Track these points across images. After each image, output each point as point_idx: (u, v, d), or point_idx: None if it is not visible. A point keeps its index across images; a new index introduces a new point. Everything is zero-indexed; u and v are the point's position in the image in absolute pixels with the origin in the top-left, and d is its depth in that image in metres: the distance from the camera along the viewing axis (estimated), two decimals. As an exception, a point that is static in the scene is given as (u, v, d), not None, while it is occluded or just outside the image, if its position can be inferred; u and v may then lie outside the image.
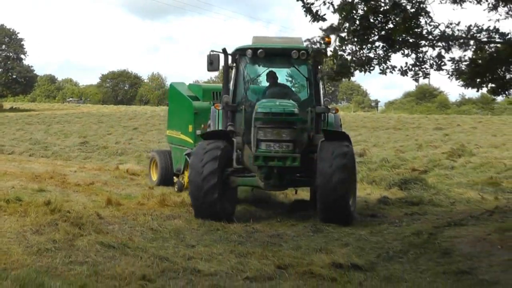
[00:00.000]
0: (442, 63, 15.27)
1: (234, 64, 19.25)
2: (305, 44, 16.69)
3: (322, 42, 14.70)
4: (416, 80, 15.91)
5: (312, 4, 15.14)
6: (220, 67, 19.50)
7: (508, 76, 16.12)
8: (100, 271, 10.69)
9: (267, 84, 20.26)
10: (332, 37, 14.21)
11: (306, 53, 17.19)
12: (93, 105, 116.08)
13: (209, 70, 18.82)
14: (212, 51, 18.26)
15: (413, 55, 15.35)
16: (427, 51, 15.39)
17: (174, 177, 22.82)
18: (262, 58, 18.43)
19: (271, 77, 19.79)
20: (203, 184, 16.16)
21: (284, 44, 19.44)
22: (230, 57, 19.20)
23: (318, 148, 17.10)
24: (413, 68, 15.36)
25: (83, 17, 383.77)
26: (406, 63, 15.37)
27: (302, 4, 15.15)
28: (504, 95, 17.38)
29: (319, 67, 18.17)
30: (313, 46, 14.89)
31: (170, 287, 10.13)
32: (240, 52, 18.79)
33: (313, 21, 15.42)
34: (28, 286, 9.22)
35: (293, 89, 21.01)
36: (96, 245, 12.44)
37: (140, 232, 14.50)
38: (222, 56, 18.89)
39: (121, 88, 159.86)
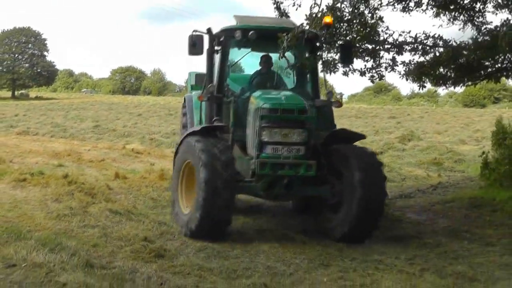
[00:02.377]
0: (395, 65, 15.41)
1: (220, 47, 13.38)
2: (303, 24, 13.14)
3: (322, 24, 12.38)
4: (372, 81, 16.14)
5: (282, 3, 15.33)
6: (204, 51, 13.34)
7: (448, 74, 16.64)
8: (109, 234, 10.76)
9: (250, 71, 15.01)
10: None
11: (304, 36, 12.57)
12: (104, 95, 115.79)
13: (191, 53, 12.90)
14: (194, 31, 12.92)
15: (371, 60, 15.49)
16: (382, 56, 15.49)
17: None
18: (253, 41, 12.86)
19: (266, 62, 14.13)
20: (223, 191, 10.74)
21: (278, 25, 14.04)
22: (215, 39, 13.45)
23: (336, 152, 12.21)
24: (370, 71, 15.49)
25: (100, 22, 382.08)
26: (365, 65, 15.53)
27: (273, 2, 15.46)
28: (444, 87, 17.80)
29: (318, 53, 13.81)
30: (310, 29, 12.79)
31: (167, 246, 10.10)
32: (227, 33, 13.19)
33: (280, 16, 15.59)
34: (48, 245, 9.20)
35: (285, 78, 14.90)
36: (106, 212, 12.47)
37: (142, 201, 14.54)
38: (206, 38, 13.28)
39: (128, 81, 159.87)
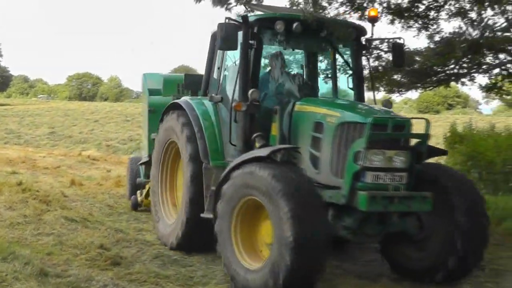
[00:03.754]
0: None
1: (253, 41, 10.00)
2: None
3: (366, 16, 10.50)
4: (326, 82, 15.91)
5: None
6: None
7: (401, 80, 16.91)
8: (64, 241, 10.56)
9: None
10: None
11: (356, 31, 10.31)
12: (61, 101, 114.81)
13: (222, 48, 9.68)
14: (228, 18, 9.51)
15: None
16: None
17: (137, 192, 14.41)
18: (295, 35, 9.94)
19: (281, 60, 10.73)
20: (319, 244, 7.64)
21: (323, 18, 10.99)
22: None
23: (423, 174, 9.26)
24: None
25: (55, 26, 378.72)
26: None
27: None
28: (398, 94, 17.75)
29: (363, 52, 11.21)
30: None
31: (124, 254, 9.96)
32: (263, 24, 9.88)
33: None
34: (1, 254, 9.06)
35: (323, 81, 11.99)
36: (61, 219, 12.27)
37: (98, 208, 14.45)
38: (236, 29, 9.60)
39: (85, 87, 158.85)
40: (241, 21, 9.77)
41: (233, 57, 10.55)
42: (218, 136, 10.24)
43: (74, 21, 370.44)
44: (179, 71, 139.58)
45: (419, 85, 17.52)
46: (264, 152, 8.63)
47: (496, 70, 16.32)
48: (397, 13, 15.58)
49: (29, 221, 12.00)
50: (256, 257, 8.49)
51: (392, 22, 15.84)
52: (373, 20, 10.35)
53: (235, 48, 9.55)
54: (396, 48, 10.97)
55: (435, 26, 15.75)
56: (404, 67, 15.06)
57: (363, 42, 10.72)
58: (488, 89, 16.75)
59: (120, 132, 37.92)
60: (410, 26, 15.87)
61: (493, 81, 16.62)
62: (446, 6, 15.28)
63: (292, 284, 7.52)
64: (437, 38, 15.52)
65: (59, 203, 14.01)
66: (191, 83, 12.13)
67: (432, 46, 15.57)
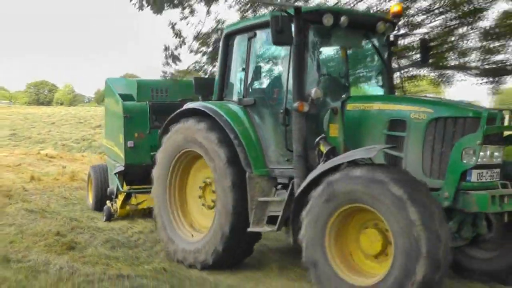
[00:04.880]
0: None
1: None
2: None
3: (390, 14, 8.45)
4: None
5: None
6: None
7: None
8: (25, 230, 10.39)
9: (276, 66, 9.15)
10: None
11: (393, 27, 8.71)
12: (21, 106, 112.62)
13: (277, 41, 7.50)
14: (281, 10, 7.48)
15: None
16: None
17: (107, 202, 12.01)
18: (341, 30, 8.11)
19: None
20: (447, 254, 6.03)
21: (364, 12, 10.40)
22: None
23: None
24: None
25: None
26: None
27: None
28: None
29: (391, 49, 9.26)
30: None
31: (78, 239, 9.85)
32: (311, 17, 7.92)
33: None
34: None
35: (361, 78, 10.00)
36: (22, 211, 12.16)
37: (55, 200, 14.26)
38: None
39: (42, 93, 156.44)
40: (293, 14, 7.65)
41: (266, 56, 8.79)
42: (256, 142, 8.25)
43: (29, 35, 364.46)
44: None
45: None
46: (368, 153, 6.70)
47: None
48: None
49: (-8, 214, 11.80)
50: (358, 272, 6.59)
51: None
52: (397, 16, 8.54)
53: (290, 43, 7.58)
54: (423, 44, 9.57)
55: None
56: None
57: (391, 38, 8.99)
58: None
59: (74, 133, 37.33)
60: None
61: None
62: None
63: None
64: None
65: (20, 197, 13.90)
66: (201, 87, 9.83)
67: None
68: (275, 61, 8.45)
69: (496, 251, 7.59)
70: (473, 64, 14.17)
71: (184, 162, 9.00)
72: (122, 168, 11.25)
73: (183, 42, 15.14)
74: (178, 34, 15.20)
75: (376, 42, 8.63)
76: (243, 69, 8.60)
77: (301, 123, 7.52)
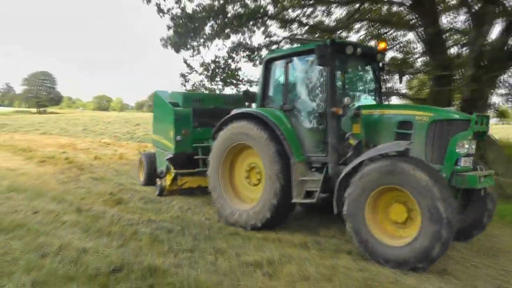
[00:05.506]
0: None
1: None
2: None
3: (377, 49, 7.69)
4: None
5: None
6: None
7: None
8: (91, 191, 10.17)
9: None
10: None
11: (382, 56, 8.04)
12: (89, 111, 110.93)
13: (321, 63, 6.83)
14: (328, 39, 7.29)
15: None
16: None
17: (157, 180, 10.78)
18: (353, 57, 7.52)
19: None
20: (455, 223, 5.54)
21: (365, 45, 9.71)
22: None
23: None
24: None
25: None
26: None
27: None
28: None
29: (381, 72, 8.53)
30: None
31: (123, 197, 9.58)
32: (338, 47, 7.25)
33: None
34: (56, 199, 8.84)
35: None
36: (89, 179, 11.96)
37: (110, 171, 13.83)
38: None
39: (102, 102, 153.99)
40: (329, 45, 7.04)
41: (300, 75, 7.73)
42: (295, 137, 7.46)
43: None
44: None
45: None
46: (399, 147, 6.05)
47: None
48: None
49: (72, 180, 11.62)
50: (389, 235, 5.96)
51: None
52: (383, 50, 7.80)
53: (329, 65, 6.96)
54: (400, 73, 8.83)
55: None
56: None
57: (380, 65, 8.22)
58: None
59: (121, 129, 36.72)
60: None
61: None
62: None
63: (441, 256, 5.53)
64: None
65: (88, 169, 13.62)
66: (249, 97, 9.23)
67: None
68: (308, 79, 7.58)
69: (462, 214, 6.91)
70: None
71: (234, 152, 8.14)
72: (171, 155, 10.33)
73: (193, 70, 15.04)
74: (189, 66, 15.11)
75: (373, 67, 8.03)
76: (282, 85, 7.89)
77: (334, 123, 6.97)
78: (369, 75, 8.13)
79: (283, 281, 4.99)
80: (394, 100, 14.53)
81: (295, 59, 7.74)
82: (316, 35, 14.59)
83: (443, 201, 5.39)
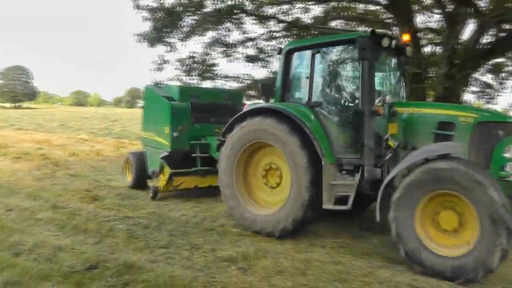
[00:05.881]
0: None
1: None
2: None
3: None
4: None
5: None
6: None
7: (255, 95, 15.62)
8: (67, 188, 10.02)
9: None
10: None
11: (411, 49, 7.09)
12: (66, 106, 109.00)
13: (362, 57, 6.08)
14: (370, 31, 6.27)
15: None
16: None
17: (148, 181, 9.87)
18: (386, 51, 6.71)
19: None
20: None
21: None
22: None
23: None
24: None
25: None
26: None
27: None
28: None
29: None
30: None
31: (99, 193, 9.55)
32: (373, 40, 6.29)
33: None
34: (32, 196, 8.77)
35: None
36: (66, 175, 11.77)
37: (86, 168, 13.59)
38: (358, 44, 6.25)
39: (80, 98, 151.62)
40: (370, 35, 6.26)
41: (334, 68, 6.84)
42: (325, 136, 6.56)
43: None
44: (132, 91, 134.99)
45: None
46: (455, 149, 5.58)
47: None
48: (251, 59, 15.07)
49: (48, 177, 11.43)
50: (440, 243, 5.38)
51: (248, 62, 15.19)
52: (407, 42, 6.91)
53: (369, 58, 6.18)
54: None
55: (272, 67, 15.10)
56: (255, 87, 14.17)
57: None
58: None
59: (99, 124, 36.31)
60: (257, 64, 15.23)
61: None
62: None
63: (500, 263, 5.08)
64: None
65: (64, 166, 13.41)
66: (267, 91, 8.01)
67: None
68: (340, 73, 6.75)
69: None
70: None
71: (249, 150, 7.22)
72: (167, 153, 9.46)
73: (167, 63, 14.97)
74: (165, 61, 14.99)
75: (400, 61, 7.12)
76: (307, 78, 6.90)
77: (372, 122, 6.18)
78: (397, 70, 7.21)
79: (257, 275, 5.06)
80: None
81: (324, 50, 6.83)
82: (294, 32, 14.67)
83: (504, 207, 4.94)
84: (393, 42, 6.50)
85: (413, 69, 12.29)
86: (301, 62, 7.25)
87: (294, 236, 6.69)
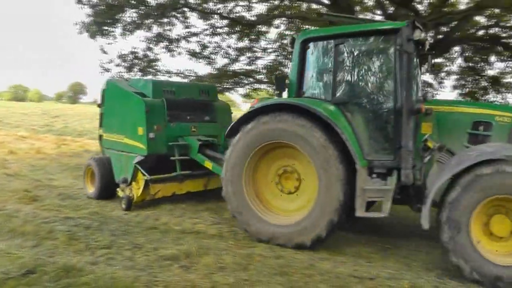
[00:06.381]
0: None
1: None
2: None
3: None
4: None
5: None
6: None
7: None
8: (5, 188, 9.52)
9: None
10: None
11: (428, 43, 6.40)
12: (4, 101, 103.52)
13: (405, 50, 5.62)
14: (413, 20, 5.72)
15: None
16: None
17: (118, 190, 8.63)
18: (414, 44, 5.83)
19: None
20: None
21: None
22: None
23: None
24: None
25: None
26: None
27: None
28: None
29: None
30: None
31: (39, 194, 9.21)
32: (406, 31, 5.73)
33: None
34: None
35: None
36: (3, 175, 11.17)
37: (26, 167, 13.00)
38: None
39: (19, 93, 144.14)
40: (406, 24, 5.75)
41: (364, 61, 6.19)
42: (355, 137, 5.94)
43: None
44: (75, 86, 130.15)
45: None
46: (509, 151, 5.06)
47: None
48: (193, 55, 15.18)
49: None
50: (493, 251, 5.13)
51: (191, 58, 15.38)
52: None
53: (411, 52, 5.71)
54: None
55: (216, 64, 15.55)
56: None
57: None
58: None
59: (39, 121, 34.78)
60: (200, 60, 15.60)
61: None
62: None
63: None
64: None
65: (1, 165, 12.79)
66: (280, 85, 6.95)
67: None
68: (371, 67, 6.12)
69: None
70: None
71: (260, 152, 6.43)
72: (142, 158, 8.26)
73: (111, 60, 14.66)
74: (105, 52, 14.71)
75: (419, 55, 6.52)
76: (329, 71, 6.27)
77: (411, 122, 5.70)
78: (418, 66, 6.60)
79: (199, 272, 5.10)
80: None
81: (350, 40, 6.16)
82: (237, 28, 14.74)
83: None
84: (423, 35, 5.88)
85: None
86: (321, 54, 6.48)
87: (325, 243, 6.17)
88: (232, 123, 6.68)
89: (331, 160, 5.81)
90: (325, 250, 6.12)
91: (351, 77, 6.20)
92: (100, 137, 9.57)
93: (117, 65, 14.61)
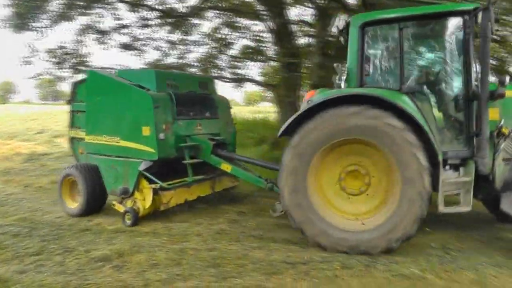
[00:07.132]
0: None
1: (469, 30, 5.40)
2: None
3: None
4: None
5: None
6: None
7: None
8: None
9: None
10: None
11: None
12: None
13: (484, 35, 5.11)
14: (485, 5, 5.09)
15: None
16: None
17: (114, 202, 7.29)
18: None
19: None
20: None
21: None
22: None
23: None
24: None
25: None
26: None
27: None
28: None
29: None
30: None
31: None
32: (474, 13, 5.32)
33: None
34: None
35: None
36: None
37: None
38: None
39: None
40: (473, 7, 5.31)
41: (435, 45, 5.78)
42: (428, 128, 5.41)
43: None
44: (4, 85, 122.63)
45: None
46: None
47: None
48: (124, 46, 14.74)
49: None
50: None
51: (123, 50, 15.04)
52: None
53: (489, 36, 5.16)
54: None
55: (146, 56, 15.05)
56: None
57: None
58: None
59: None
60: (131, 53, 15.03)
61: None
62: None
63: None
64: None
65: None
66: (339, 73, 6.12)
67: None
68: (443, 52, 5.65)
69: None
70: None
71: (325, 151, 5.70)
72: (150, 163, 6.99)
73: (37, 53, 13.87)
74: (32, 48, 13.86)
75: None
76: (395, 58, 5.74)
77: (487, 108, 5.27)
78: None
79: (132, 271, 5.09)
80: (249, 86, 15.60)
81: (416, 24, 5.71)
82: (169, 20, 14.53)
83: None
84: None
85: (287, 59, 13.02)
86: (384, 39, 5.95)
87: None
88: (290, 119, 5.72)
89: (419, 156, 5.23)
90: (259, 240, 6.20)
91: (420, 64, 5.85)
92: (72, 140, 8.32)
93: (47, 61, 13.92)
